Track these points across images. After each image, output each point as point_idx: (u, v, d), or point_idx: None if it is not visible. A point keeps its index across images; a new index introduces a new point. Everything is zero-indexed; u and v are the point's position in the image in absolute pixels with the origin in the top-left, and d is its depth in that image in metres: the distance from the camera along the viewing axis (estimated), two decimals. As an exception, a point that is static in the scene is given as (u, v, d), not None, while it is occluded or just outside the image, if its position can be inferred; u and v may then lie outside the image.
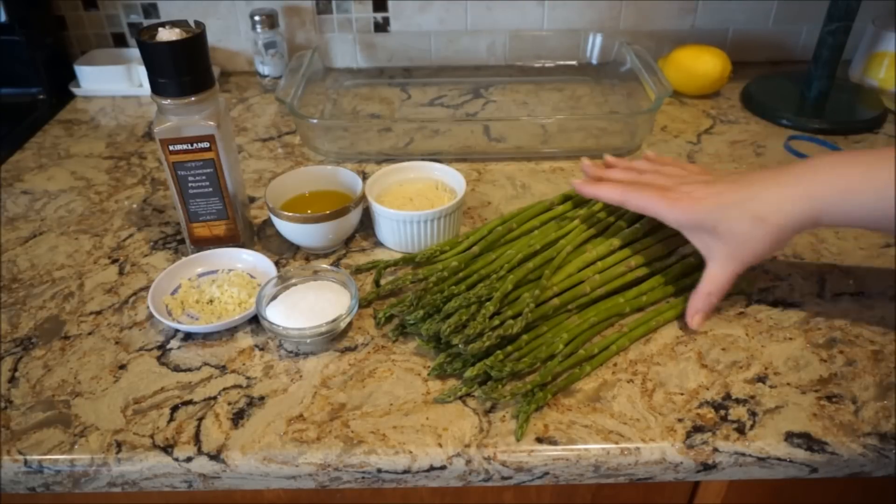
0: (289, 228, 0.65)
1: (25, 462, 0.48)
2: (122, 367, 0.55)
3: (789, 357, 0.54)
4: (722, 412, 0.50)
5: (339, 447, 0.48)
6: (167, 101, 0.58)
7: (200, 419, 0.50)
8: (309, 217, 0.63)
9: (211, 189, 0.63)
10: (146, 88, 0.98)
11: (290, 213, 0.64)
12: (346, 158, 0.83)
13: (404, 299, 0.57)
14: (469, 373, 0.51)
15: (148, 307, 0.59)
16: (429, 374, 0.53)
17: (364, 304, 0.60)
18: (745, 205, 0.51)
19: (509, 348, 0.53)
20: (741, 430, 0.49)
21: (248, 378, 0.54)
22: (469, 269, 0.59)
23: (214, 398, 0.52)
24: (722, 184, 0.54)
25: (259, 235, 0.70)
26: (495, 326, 0.53)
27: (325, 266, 0.61)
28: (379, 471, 0.48)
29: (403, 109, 0.95)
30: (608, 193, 0.59)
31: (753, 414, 0.50)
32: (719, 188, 0.54)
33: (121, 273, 0.66)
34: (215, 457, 0.48)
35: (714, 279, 0.54)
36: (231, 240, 0.66)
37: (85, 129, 0.93)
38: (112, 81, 1.01)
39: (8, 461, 0.48)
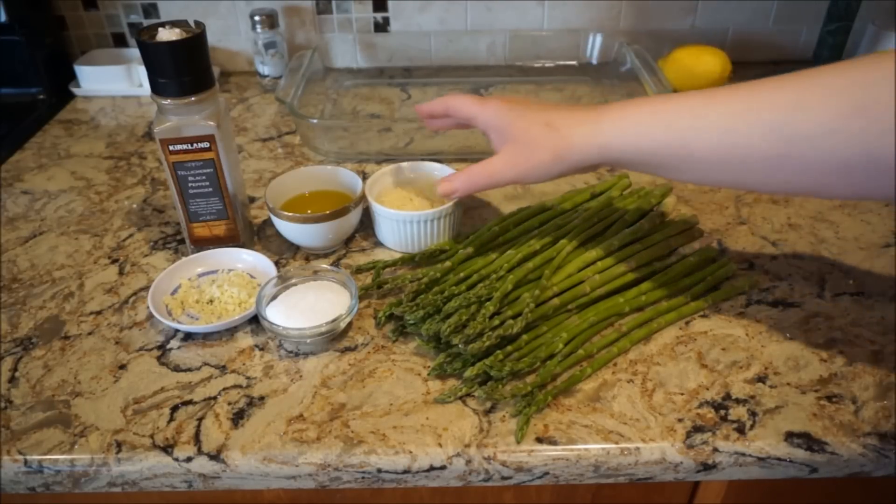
0: (289, 228, 0.65)
1: (25, 462, 0.48)
2: (122, 367, 0.55)
3: (789, 357, 0.54)
4: (722, 412, 0.50)
5: (339, 447, 0.48)
6: (167, 101, 0.58)
7: (200, 419, 0.50)
8: (309, 217, 0.63)
9: (211, 189, 0.63)
10: (146, 88, 0.98)
11: (290, 213, 0.64)
12: (346, 158, 0.83)
13: (401, 299, 0.57)
14: (469, 373, 0.51)
15: (148, 307, 0.59)
16: (429, 374, 0.53)
17: (364, 304, 0.60)
18: (541, 115, 0.56)
19: (509, 348, 0.53)
20: (741, 430, 0.49)
21: (248, 378, 0.54)
22: (469, 269, 0.59)
23: (214, 398, 0.52)
24: (532, 103, 0.59)
25: (259, 235, 0.70)
26: (495, 326, 0.53)
27: (325, 266, 0.61)
28: (379, 471, 0.48)
29: (403, 109, 0.95)
30: (429, 107, 0.63)
31: (753, 414, 0.50)
32: (526, 102, 0.59)
33: (121, 273, 0.66)
34: (215, 457, 0.48)
35: (492, 167, 0.58)
36: (231, 240, 0.66)
37: (85, 129, 0.93)
38: (112, 81, 1.01)
39: (8, 461, 0.48)
